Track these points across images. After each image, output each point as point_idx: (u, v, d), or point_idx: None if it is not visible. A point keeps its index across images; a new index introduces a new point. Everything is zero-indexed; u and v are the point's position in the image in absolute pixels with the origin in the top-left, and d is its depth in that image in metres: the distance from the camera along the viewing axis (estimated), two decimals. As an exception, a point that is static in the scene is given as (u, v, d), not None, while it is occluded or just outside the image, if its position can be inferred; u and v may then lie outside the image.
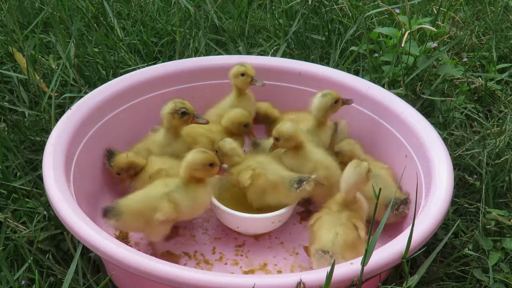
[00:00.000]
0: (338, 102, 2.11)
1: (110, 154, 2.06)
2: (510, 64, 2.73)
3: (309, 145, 2.03)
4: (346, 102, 2.13)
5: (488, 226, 1.95)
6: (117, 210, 1.79)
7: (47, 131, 2.22)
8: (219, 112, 2.23)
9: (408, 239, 1.58)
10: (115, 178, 2.05)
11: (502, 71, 2.70)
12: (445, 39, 2.79)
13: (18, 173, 2.06)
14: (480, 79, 2.62)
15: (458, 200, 2.08)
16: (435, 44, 2.54)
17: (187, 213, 1.85)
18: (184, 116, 2.02)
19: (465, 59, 2.71)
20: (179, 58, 2.58)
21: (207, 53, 2.69)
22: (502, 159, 2.14)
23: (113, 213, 1.79)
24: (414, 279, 1.62)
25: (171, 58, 2.69)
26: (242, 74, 2.19)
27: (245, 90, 2.23)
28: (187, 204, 1.83)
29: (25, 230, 1.89)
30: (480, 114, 2.47)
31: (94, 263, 1.84)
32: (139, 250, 1.75)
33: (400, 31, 2.50)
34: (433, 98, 2.41)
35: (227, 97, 2.25)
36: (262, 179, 1.93)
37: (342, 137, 2.18)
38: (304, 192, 1.90)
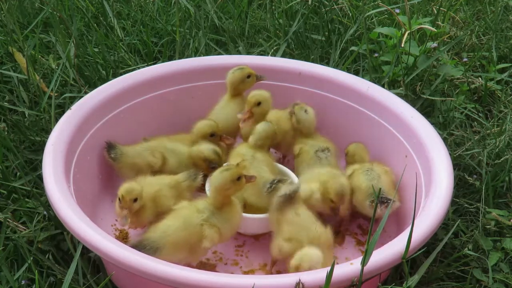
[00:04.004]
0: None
1: (109, 147, 2.05)
2: (510, 64, 2.73)
3: None
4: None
5: (488, 226, 1.95)
6: (153, 247, 1.70)
7: (47, 131, 2.22)
8: (214, 119, 2.22)
9: (408, 239, 1.58)
10: (130, 209, 1.83)
11: (502, 71, 2.70)
12: (445, 39, 2.79)
13: (18, 173, 2.06)
14: (480, 79, 2.62)
15: (458, 200, 2.08)
16: (435, 44, 2.54)
17: (225, 235, 1.82)
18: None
19: (465, 59, 2.71)
20: (179, 58, 2.58)
21: (207, 53, 2.69)
22: (502, 159, 2.14)
23: (150, 250, 1.69)
24: (414, 279, 1.62)
25: (171, 58, 2.69)
26: (248, 76, 2.20)
27: (244, 92, 2.23)
28: (225, 227, 1.80)
29: (25, 230, 1.89)
30: (480, 114, 2.47)
31: (94, 263, 1.84)
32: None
33: (400, 31, 2.50)
34: (433, 98, 2.41)
35: (219, 103, 2.25)
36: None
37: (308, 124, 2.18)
38: (274, 194, 1.87)
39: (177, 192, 1.93)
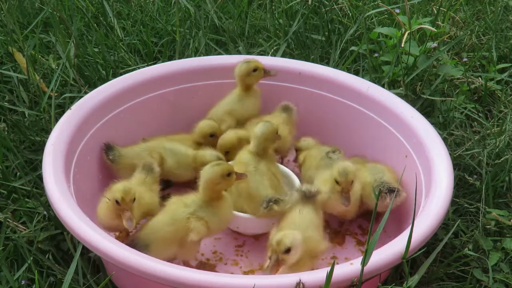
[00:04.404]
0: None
1: (108, 148, 2.05)
2: (510, 64, 2.73)
3: None
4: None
5: (488, 226, 1.95)
6: (143, 244, 1.72)
7: (47, 131, 2.22)
8: (227, 108, 2.22)
9: (408, 239, 1.58)
10: (131, 209, 1.77)
11: (502, 71, 2.70)
12: (445, 39, 2.78)
13: (18, 173, 2.06)
14: (480, 79, 2.62)
15: (458, 200, 2.08)
16: (435, 44, 2.54)
17: (214, 229, 1.82)
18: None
19: (465, 59, 2.70)
20: (179, 58, 2.58)
21: (207, 53, 2.69)
22: (502, 159, 2.14)
23: (140, 247, 1.70)
24: (414, 279, 1.62)
25: (171, 58, 2.68)
26: (255, 70, 2.20)
27: (254, 85, 2.24)
28: (213, 220, 1.80)
29: (25, 230, 1.89)
30: (480, 114, 2.47)
31: (94, 263, 1.84)
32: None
33: (400, 31, 2.50)
34: (433, 98, 2.41)
35: (232, 93, 2.25)
36: (243, 183, 1.92)
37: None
38: (272, 212, 1.87)
39: (148, 187, 1.92)
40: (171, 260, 1.76)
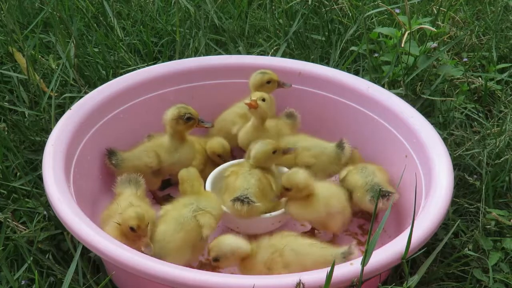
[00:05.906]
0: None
1: (110, 154, 2.06)
2: (510, 64, 2.73)
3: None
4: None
5: (488, 226, 1.95)
6: (159, 255, 1.71)
7: (47, 131, 2.22)
8: (239, 112, 2.22)
9: (408, 239, 1.58)
10: (137, 236, 1.71)
11: (502, 71, 2.70)
12: (445, 39, 2.79)
13: (18, 173, 2.06)
14: (480, 79, 2.62)
15: (458, 200, 2.08)
16: (435, 44, 2.54)
17: (218, 216, 1.84)
18: (190, 121, 2.02)
19: (465, 59, 2.71)
20: (179, 58, 2.58)
21: (207, 53, 2.69)
22: (502, 159, 2.14)
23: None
24: (414, 279, 1.62)
25: (171, 58, 2.68)
26: (268, 82, 2.20)
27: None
28: (213, 207, 1.83)
29: (25, 230, 1.89)
30: (480, 114, 2.47)
31: (94, 263, 1.84)
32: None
33: (400, 31, 2.50)
34: (433, 98, 2.41)
35: (242, 102, 2.24)
36: (231, 179, 1.96)
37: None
38: (234, 211, 1.88)
39: (144, 200, 1.91)
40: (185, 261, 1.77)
